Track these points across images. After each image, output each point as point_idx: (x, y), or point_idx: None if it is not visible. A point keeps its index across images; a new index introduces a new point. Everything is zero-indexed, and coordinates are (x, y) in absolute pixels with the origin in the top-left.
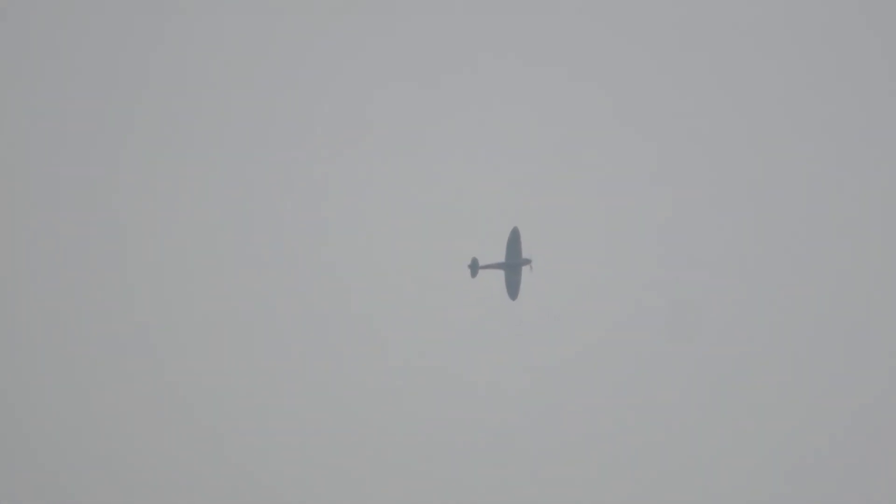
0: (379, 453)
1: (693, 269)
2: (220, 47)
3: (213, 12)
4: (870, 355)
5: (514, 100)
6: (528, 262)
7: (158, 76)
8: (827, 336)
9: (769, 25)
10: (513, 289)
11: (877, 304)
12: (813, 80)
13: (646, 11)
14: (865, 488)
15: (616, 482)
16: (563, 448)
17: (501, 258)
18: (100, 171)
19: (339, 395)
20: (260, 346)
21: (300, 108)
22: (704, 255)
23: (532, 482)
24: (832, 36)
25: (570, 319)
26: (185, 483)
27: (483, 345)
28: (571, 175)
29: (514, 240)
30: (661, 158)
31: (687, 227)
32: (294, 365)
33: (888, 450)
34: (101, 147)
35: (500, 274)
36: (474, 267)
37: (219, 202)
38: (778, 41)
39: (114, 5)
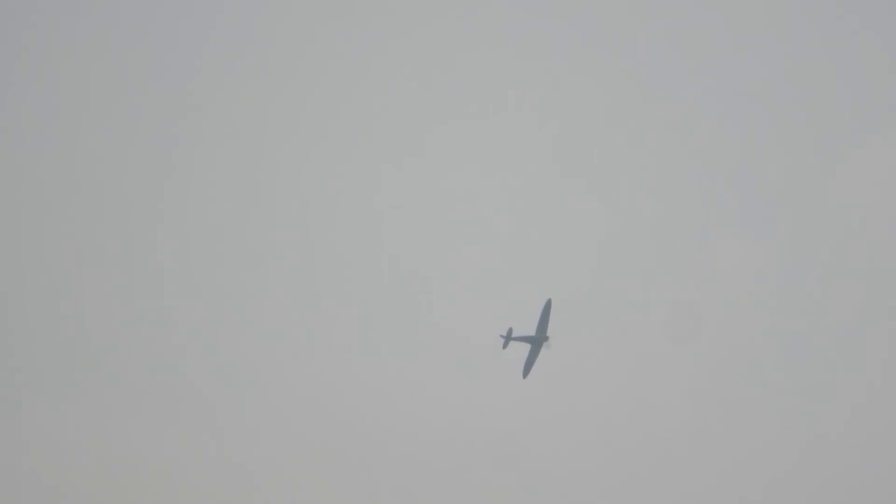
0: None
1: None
2: (223, 45)
3: (217, 11)
4: (870, 356)
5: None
6: (545, 339)
7: (158, 73)
8: (827, 337)
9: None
10: (527, 365)
11: (877, 305)
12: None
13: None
14: (865, 489)
15: None
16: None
17: (533, 330)
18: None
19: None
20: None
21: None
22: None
23: None
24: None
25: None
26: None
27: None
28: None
29: (545, 312)
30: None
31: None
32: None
33: (888, 451)
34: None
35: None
36: (507, 338)
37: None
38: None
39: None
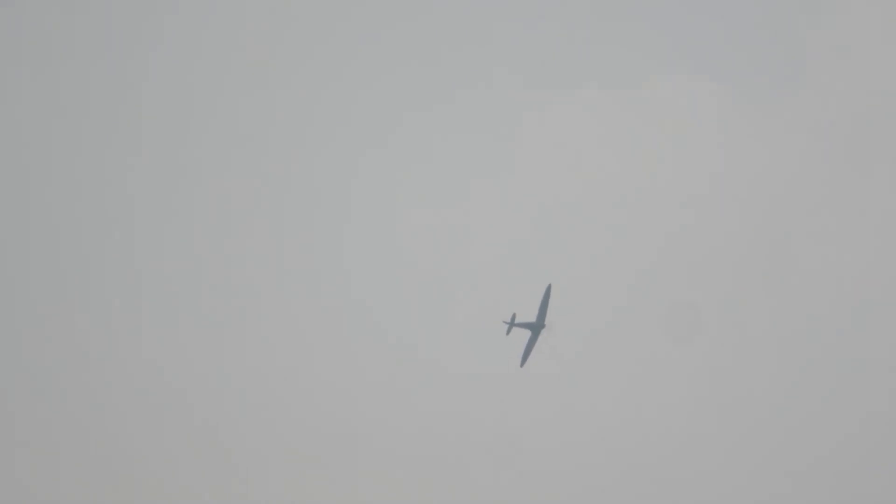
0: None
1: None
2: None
3: (222, 31)
4: (870, 358)
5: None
6: (542, 326)
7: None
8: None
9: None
10: (525, 353)
11: (877, 307)
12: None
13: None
14: (865, 490)
15: None
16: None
17: (534, 316)
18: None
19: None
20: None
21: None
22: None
23: None
24: None
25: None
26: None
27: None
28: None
29: (545, 298)
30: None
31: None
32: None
33: (888, 452)
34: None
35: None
36: (510, 324)
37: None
38: None
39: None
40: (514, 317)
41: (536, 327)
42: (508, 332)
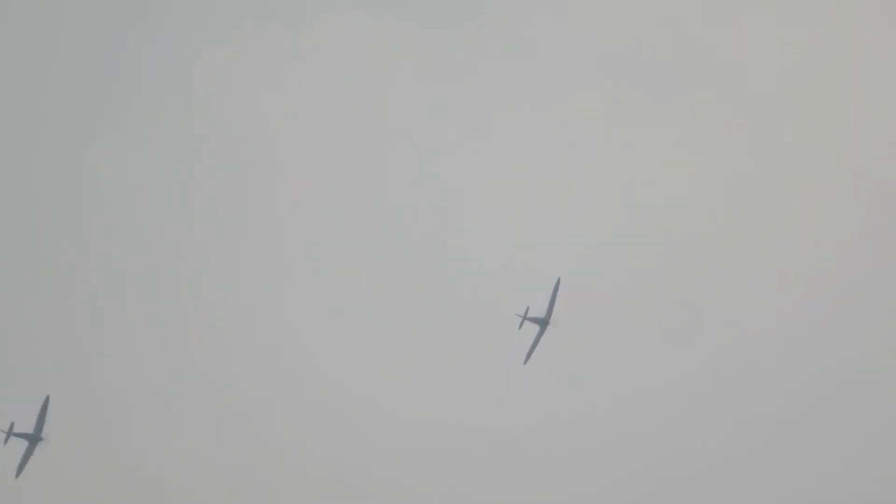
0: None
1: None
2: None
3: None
4: (870, 358)
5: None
6: (547, 322)
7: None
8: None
9: None
10: (529, 350)
11: (877, 307)
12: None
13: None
14: (866, 489)
15: None
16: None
17: (545, 311)
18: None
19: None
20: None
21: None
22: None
23: None
24: None
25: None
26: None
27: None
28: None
29: (554, 292)
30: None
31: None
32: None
33: (888, 452)
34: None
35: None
36: (523, 318)
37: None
38: None
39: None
40: (527, 310)
41: (544, 322)
42: (521, 326)
